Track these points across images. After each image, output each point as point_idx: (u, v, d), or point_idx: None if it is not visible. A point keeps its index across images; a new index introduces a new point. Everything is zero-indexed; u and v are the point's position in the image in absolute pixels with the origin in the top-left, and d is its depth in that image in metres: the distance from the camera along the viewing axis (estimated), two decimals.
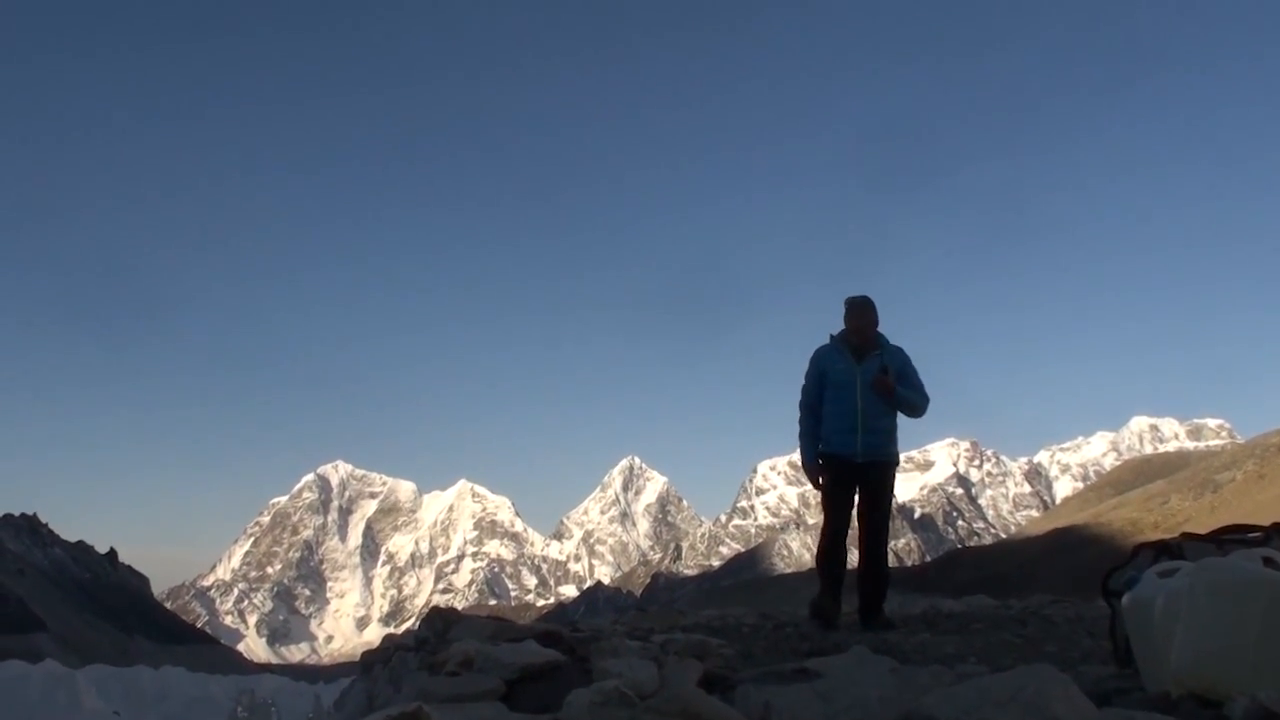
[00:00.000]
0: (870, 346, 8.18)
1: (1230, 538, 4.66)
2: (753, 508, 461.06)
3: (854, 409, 8.03)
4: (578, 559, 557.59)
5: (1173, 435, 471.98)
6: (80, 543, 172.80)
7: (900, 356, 8.30)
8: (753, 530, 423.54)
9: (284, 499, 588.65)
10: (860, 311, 8.29)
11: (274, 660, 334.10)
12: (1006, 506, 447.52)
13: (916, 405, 8.26)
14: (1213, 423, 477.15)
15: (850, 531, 8.20)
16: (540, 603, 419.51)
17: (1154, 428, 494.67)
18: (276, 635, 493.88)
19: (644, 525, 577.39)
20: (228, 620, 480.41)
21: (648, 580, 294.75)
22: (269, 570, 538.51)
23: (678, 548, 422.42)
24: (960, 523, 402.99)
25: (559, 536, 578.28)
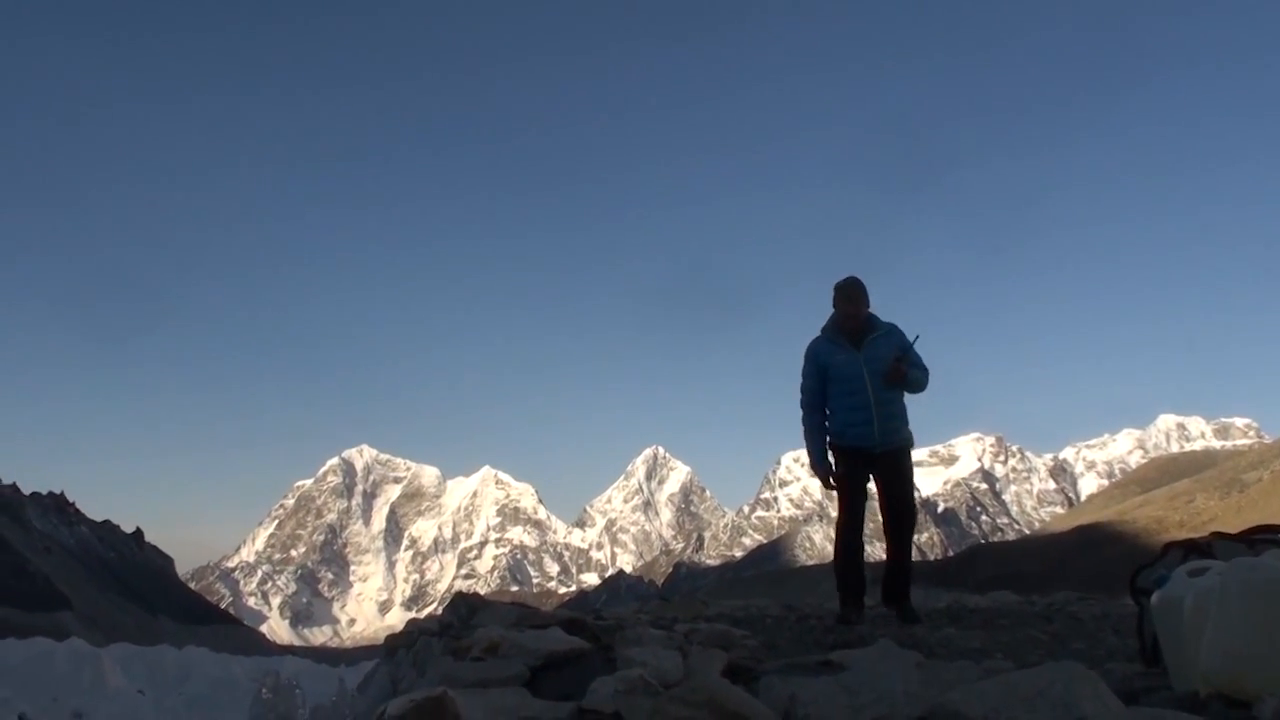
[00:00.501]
0: (865, 330, 7.81)
1: (1262, 537, 4.63)
2: (775, 499, 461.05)
3: (867, 400, 7.66)
4: (600, 547, 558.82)
5: (1199, 434, 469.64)
6: (106, 522, 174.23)
7: (898, 334, 7.87)
8: (775, 521, 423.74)
9: (308, 482, 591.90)
10: (851, 296, 7.85)
11: (296, 642, 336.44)
12: (1031, 503, 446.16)
13: (921, 382, 7.89)
14: (1240, 422, 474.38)
15: (872, 524, 8.00)
16: (562, 590, 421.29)
17: (1181, 426, 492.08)
18: (299, 617, 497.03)
19: (666, 515, 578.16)
20: (251, 602, 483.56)
21: (670, 569, 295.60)
22: (293, 553, 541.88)
23: (700, 537, 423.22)
24: (984, 518, 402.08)
25: (582, 524, 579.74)
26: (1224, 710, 3.20)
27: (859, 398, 7.67)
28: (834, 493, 7.89)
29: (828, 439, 7.89)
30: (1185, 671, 3.56)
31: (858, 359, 7.69)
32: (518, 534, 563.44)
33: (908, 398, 7.90)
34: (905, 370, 7.64)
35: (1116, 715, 2.96)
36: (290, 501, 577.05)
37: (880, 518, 7.84)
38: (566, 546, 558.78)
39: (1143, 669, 4.27)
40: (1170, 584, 3.81)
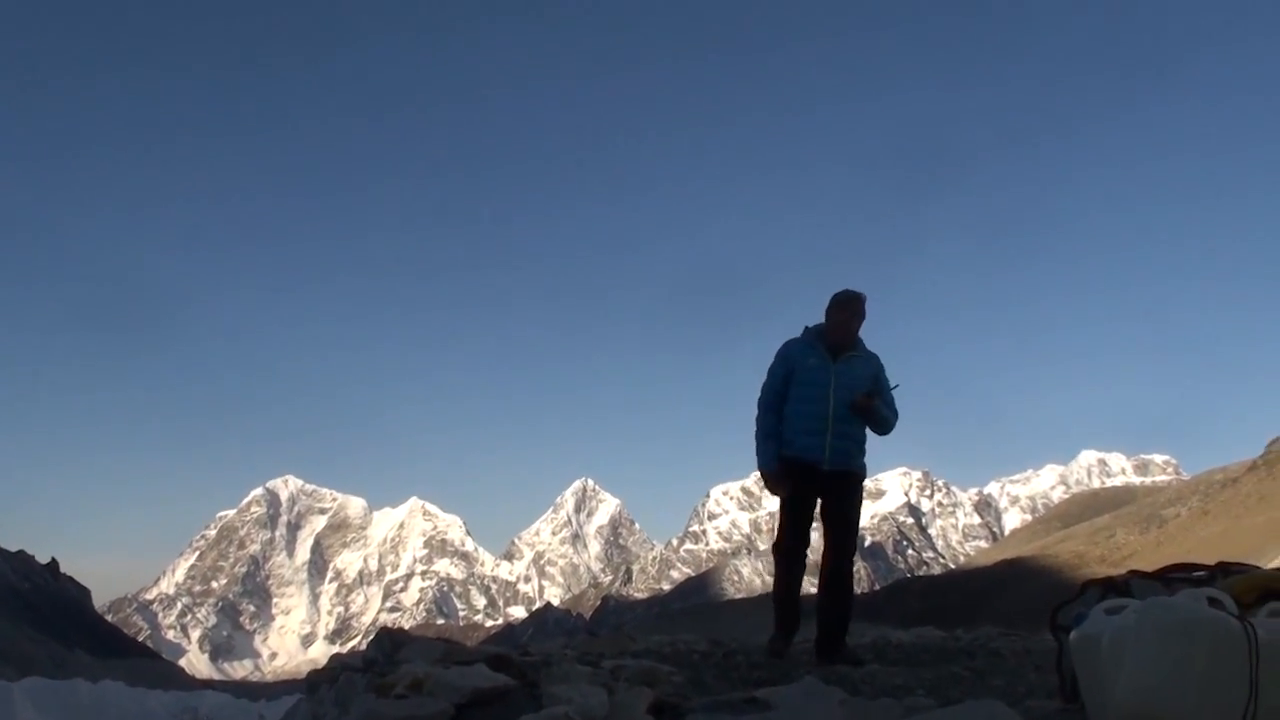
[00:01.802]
0: (848, 347, 7.49)
1: (1177, 576, 4.72)
2: (704, 532, 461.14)
3: (824, 410, 7.30)
4: (528, 580, 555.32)
5: (1120, 470, 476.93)
6: (21, 552, 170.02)
7: (877, 364, 7.61)
8: (704, 555, 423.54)
9: (231, 513, 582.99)
10: (852, 307, 7.50)
11: (216, 676, 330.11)
12: (956, 537, 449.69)
13: (889, 422, 7.57)
14: (1159, 459, 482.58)
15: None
16: (489, 623, 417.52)
17: (1102, 462, 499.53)
18: (220, 651, 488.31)
19: (595, 547, 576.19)
20: (170, 635, 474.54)
21: (598, 603, 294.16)
22: (214, 585, 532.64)
23: (628, 571, 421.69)
24: (910, 552, 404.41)
25: (509, 557, 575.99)
26: None
27: (818, 407, 7.36)
28: (770, 519, 7.54)
29: (780, 447, 7.50)
30: (1102, 708, 3.62)
31: (829, 368, 7.41)
32: (444, 566, 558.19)
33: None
34: (875, 405, 7.39)
35: None
36: (212, 532, 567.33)
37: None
38: (494, 579, 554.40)
39: (1061, 705, 4.33)
40: (1088, 622, 3.87)
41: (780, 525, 7.70)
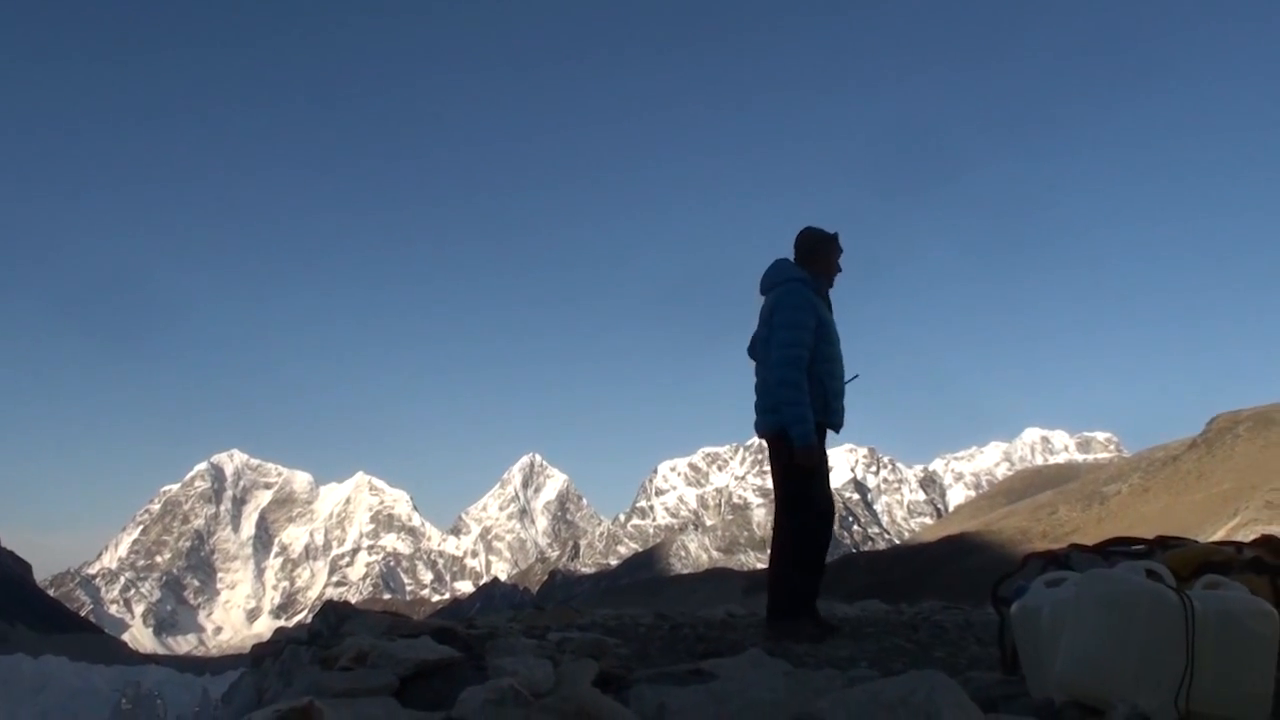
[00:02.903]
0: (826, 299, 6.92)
1: (1116, 550, 4.78)
2: (652, 508, 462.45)
3: (843, 372, 6.77)
4: (475, 555, 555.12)
5: (1063, 447, 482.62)
6: None
7: None
8: (651, 530, 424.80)
9: (175, 487, 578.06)
10: (839, 249, 6.96)
11: (160, 651, 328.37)
12: (901, 513, 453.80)
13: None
14: (1101, 436, 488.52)
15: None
16: (436, 598, 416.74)
17: (1045, 439, 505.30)
18: (163, 625, 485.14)
19: (543, 523, 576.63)
20: (113, 609, 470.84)
21: (545, 577, 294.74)
22: (158, 559, 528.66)
23: (576, 546, 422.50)
24: (856, 528, 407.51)
25: (457, 532, 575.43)
26: (1078, 717, 3.29)
27: (841, 368, 6.77)
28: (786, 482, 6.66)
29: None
30: (1042, 679, 3.66)
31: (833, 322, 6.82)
32: (391, 541, 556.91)
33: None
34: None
35: None
36: (156, 507, 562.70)
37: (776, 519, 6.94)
38: (441, 554, 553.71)
39: (1002, 677, 4.38)
40: (1029, 594, 3.91)
41: (821, 494, 6.74)
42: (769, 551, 7.04)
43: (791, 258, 6.97)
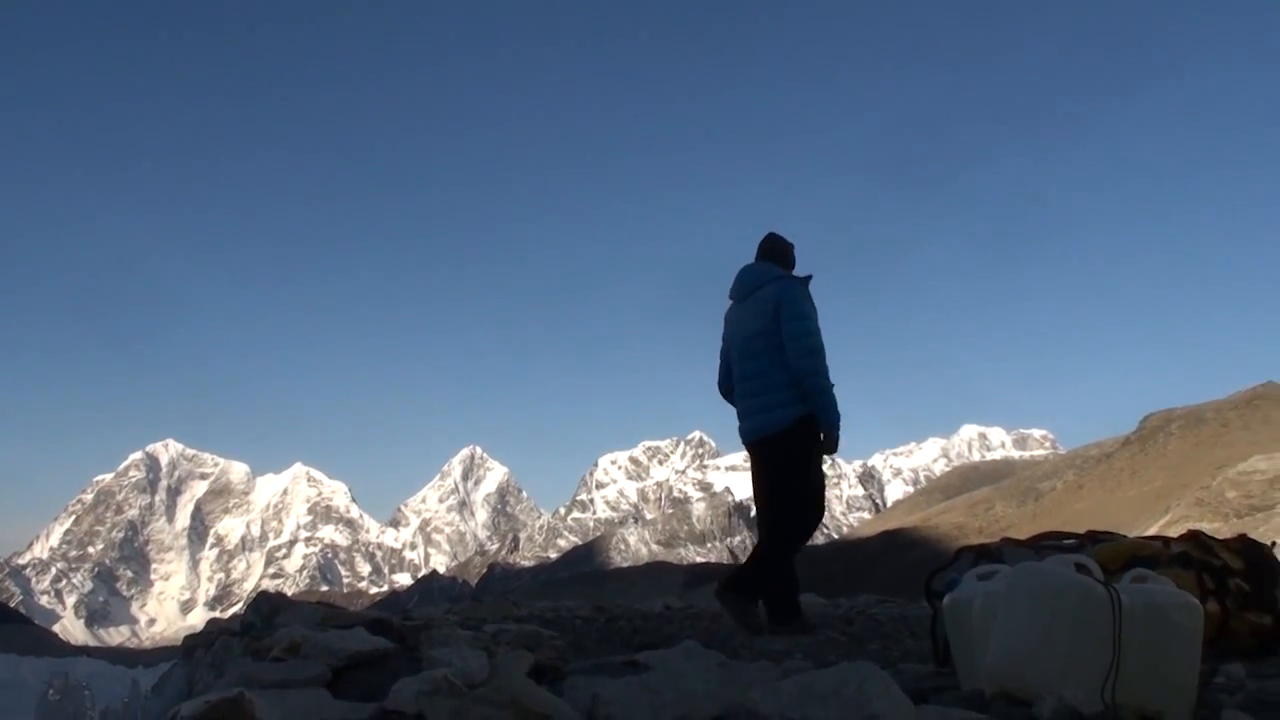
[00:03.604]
0: None
1: (1047, 544, 4.85)
2: (592, 501, 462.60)
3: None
4: (414, 547, 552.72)
5: (1000, 444, 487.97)
6: None
7: None
8: (591, 523, 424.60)
9: (109, 477, 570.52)
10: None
11: (92, 643, 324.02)
12: (840, 508, 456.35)
13: None
14: (1037, 433, 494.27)
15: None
16: (374, 590, 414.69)
17: (983, 436, 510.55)
18: (95, 617, 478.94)
19: (482, 515, 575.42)
20: (44, 600, 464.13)
21: (484, 570, 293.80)
22: (90, 550, 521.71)
23: (515, 538, 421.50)
24: None
25: (395, 524, 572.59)
26: (1006, 708, 3.32)
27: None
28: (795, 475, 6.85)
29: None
30: (972, 671, 3.70)
31: None
32: (329, 533, 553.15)
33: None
34: None
35: (905, 713, 3.06)
36: (89, 496, 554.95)
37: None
38: (379, 546, 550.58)
39: (934, 669, 4.42)
40: (961, 587, 3.94)
41: (821, 485, 7.14)
42: (767, 545, 7.01)
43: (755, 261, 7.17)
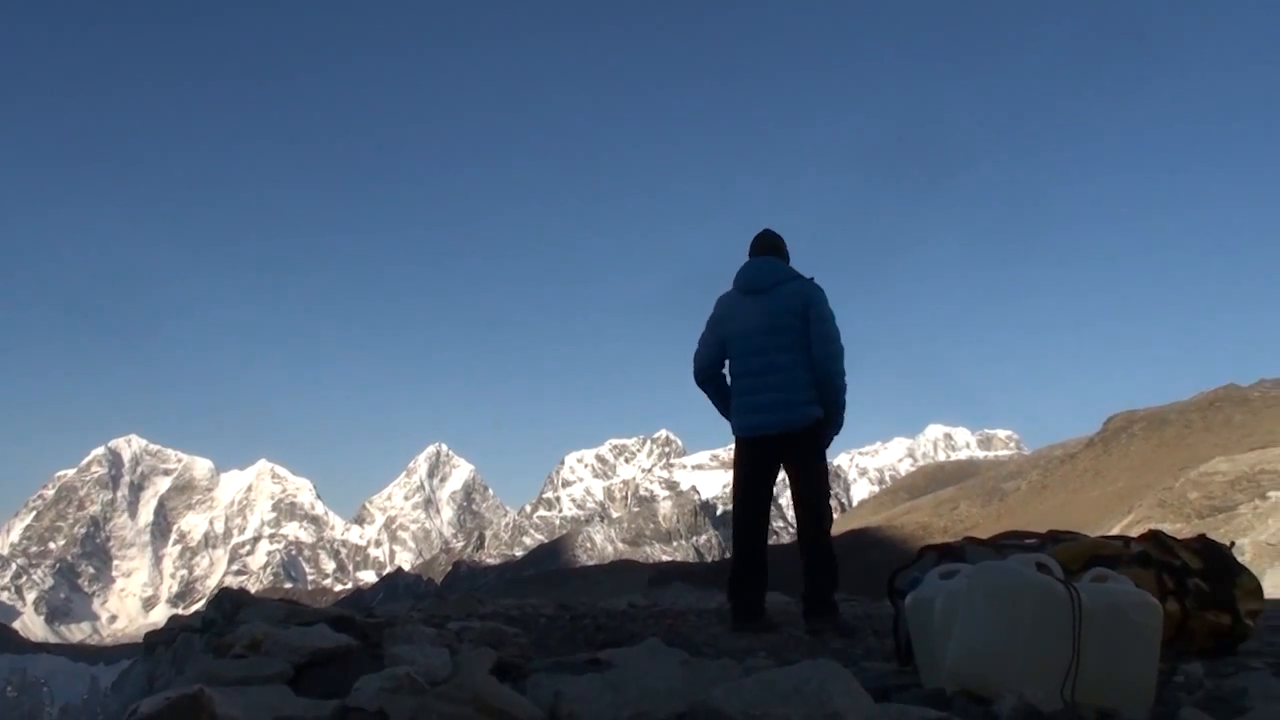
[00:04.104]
0: None
1: (1009, 543, 4.87)
2: (558, 499, 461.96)
3: None
4: (379, 544, 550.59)
5: (965, 444, 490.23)
6: None
7: None
8: (557, 521, 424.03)
9: (71, 472, 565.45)
10: None
11: (53, 639, 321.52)
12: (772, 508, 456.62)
13: None
14: (1002, 433, 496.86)
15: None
16: (338, 588, 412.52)
17: (948, 436, 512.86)
18: (56, 614, 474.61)
19: (448, 512, 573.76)
20: (3, 596, 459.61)
21: (449, 568, 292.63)
22: (51, 546, 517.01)
23: (481, 536, 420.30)
24: None
25: (360, 521, 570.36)
26: (967, 706, 3.34)
27: None
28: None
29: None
30: (933, 669, 3.72)
31: None
32: (293, 530, 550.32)
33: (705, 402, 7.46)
34: None
35: (866, 711, 3.08)
36: (50, 492, 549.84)
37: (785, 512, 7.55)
38: (344, 543, 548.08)
39: (897, 668, 4.44)
40: (923, 586, 3.97)
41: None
42: (809, 544, 7.19)
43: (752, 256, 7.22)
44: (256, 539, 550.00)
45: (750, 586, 7.05)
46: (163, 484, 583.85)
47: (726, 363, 7.17)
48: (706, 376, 7.24)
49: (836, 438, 7.25)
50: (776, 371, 6.84)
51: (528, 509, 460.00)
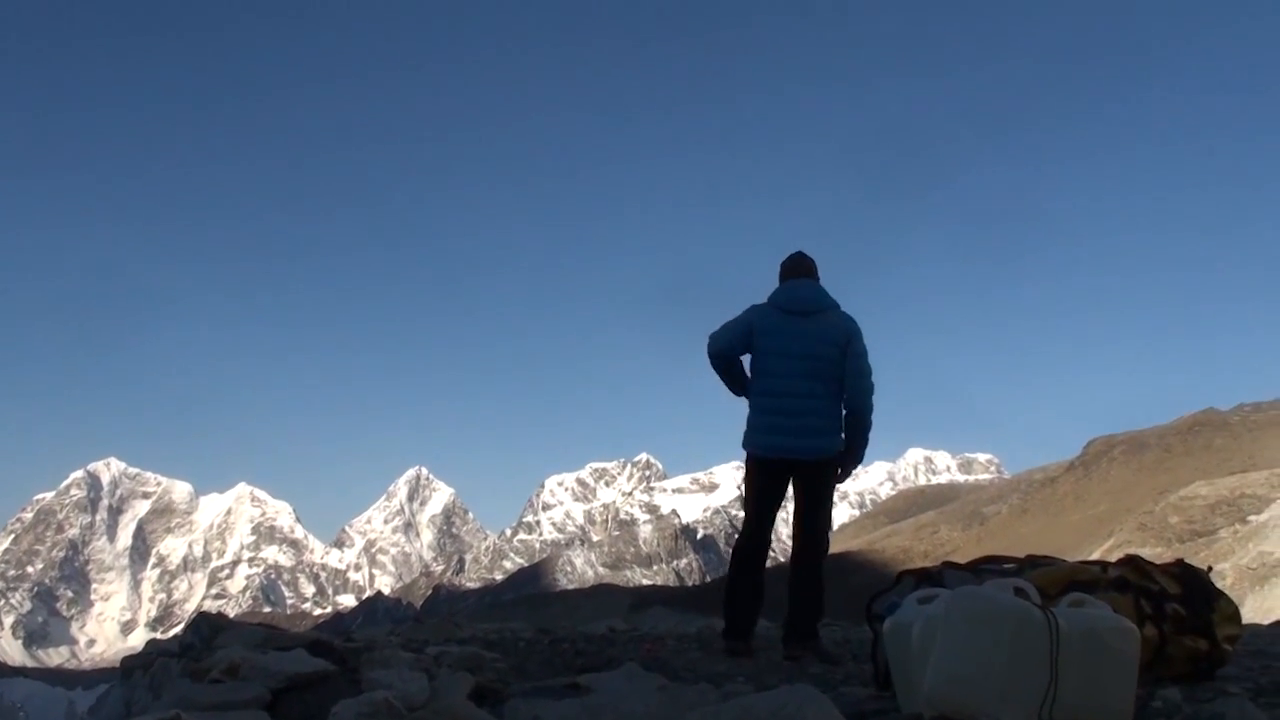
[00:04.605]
0: None
1: (987, 567, 4.88)
2: (538, 523, 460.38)
3: None
4: (358, 568, 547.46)
5: (945, 468, 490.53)
6: None
7: None
8: (537, 545, 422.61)
9: (49, 495, 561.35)
10: None
11: (30, 664, 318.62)
12: (787, 531, 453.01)
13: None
14: (983, 457, 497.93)
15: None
16: (318, 611, 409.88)
17: (929, 460, 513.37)
18: (34, 638, 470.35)
19: (428, 536, 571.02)
20: None
21: (429, 592, 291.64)
22: (29, 569, 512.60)
23: (461, 560, 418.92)
24: None
25: (340, 545, 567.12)
26: None
27: None
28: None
29: None
30: (912, 695, 3.72)
31: None
32: (273, 553, 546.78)
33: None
34: None
35: None
36: (28, 515, 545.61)
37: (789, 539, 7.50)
38: (323, 567, 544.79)
39: (874, 693, 4.44)
40: (900, 610, 3.97)
41: None
42: (803, 571, 7.42)
43: (784, 277, 7.16)
44: (236, 562, 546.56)
45: (749, 604, 7.20)
46: (142, 507, 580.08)
47: (747, 366, 7.10)
48: (727, 358, 7.07)
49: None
50: (808, 397, 6.83)
51: (508, 533, 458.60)
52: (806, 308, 6.90)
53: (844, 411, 6.96)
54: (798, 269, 7.14)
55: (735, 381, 7.15)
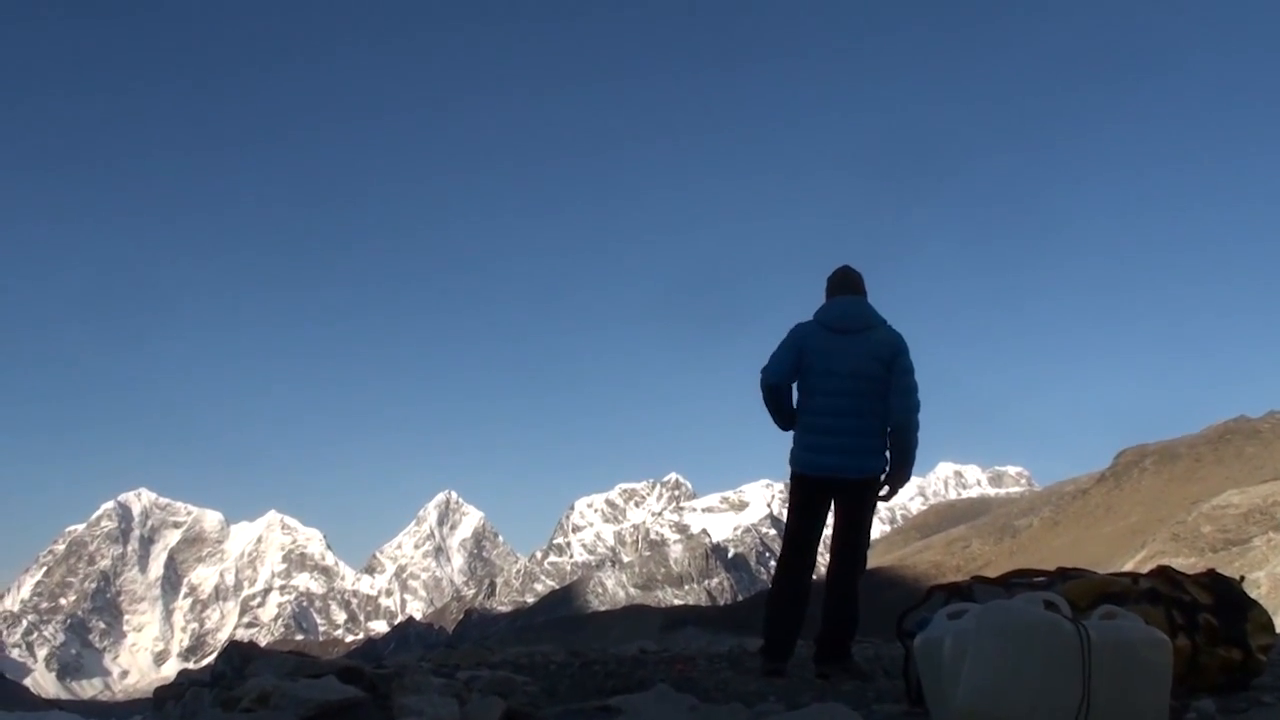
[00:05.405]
0: None
1: (1017, 581, 4.86)
2: (569, 545, 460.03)
3: None
4: (389, 594, 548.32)
5: (976, 482, 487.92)
6: None
7: None
8: (568, 567, 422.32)
9: (81, 527, 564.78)
10: None
11: (64, 696, 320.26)
12: (819, 549, 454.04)
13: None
14: (1013, 470, 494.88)
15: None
16: (349, 638, 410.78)
17: (959, 474, 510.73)
18: (68, 669, 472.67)
19: (458, 560, 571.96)
20: (14, 653, 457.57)
21: (461, 616, 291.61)
22: (62, 601, 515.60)
23: (492, 584, 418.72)
24: (772, 563, 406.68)
25: (371, 570, 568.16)
26: None
27: None
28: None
29: None
30: (944, 710, 3.70)
31: None
32: (304, 581, 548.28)
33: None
34: None
35: None
36: (60, 547, 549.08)
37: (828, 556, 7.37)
38: (355, 593, 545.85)
39: (907, 709, 4.42)
40: (931, 626, 3.96)
41: None
42: (839, 590, 7.23)
43: (831, 293, 7.13)
44: (267, 590, 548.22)
45: (790, 625, 7.08)
46: (173, 537, 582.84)
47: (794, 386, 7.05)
48: (780, 389, 7.00)
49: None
50: (855, 416, 6.79)
51: (538, 555, 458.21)
52: (853, 325, 6.87)
53: (888, 429, 6.87)
54: (845, 285, 7.09)
55: (783, 415, 7.06)
